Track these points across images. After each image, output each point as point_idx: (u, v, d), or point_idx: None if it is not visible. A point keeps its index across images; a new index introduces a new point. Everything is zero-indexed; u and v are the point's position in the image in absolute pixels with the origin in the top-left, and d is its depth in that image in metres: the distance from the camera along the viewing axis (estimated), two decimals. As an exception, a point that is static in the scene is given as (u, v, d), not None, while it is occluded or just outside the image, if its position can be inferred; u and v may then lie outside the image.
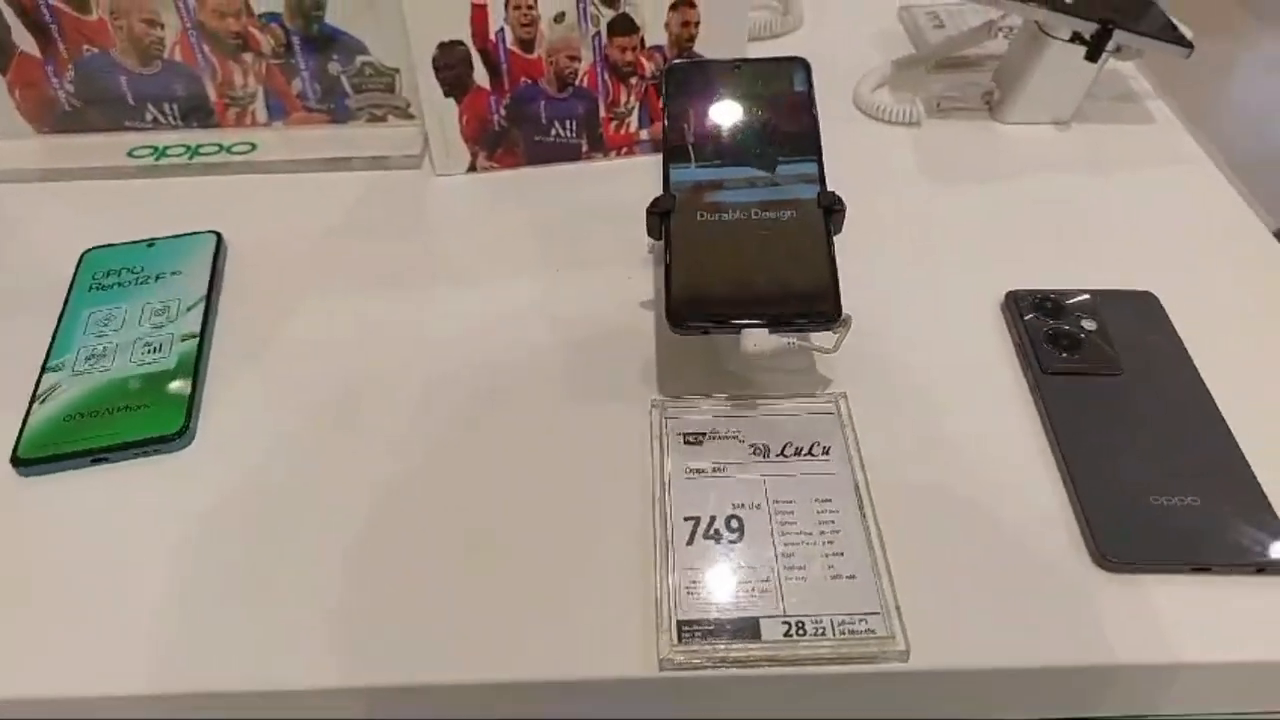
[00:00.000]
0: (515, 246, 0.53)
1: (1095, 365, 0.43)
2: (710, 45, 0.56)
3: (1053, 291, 0.46)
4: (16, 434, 0.42)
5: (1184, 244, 0.52)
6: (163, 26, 0.58)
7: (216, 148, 0.61)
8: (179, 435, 0.42)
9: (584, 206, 0.56)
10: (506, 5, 0.53)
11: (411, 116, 0.62)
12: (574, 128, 0.58)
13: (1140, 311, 0.46)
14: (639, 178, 0.57)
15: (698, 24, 0.55)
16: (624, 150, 0.59)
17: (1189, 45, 0.56)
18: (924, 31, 0.70)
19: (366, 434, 0.43)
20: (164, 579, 0.38)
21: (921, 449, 0.41)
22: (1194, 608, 0.35)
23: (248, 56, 0.59)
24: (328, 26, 0.58)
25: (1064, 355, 0.43)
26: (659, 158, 0.46)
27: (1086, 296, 0.46)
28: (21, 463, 0.41)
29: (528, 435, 0.43)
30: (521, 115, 0.57)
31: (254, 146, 0.61)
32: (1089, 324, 0.45)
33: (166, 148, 0.61)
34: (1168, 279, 0.48)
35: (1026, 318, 0.45)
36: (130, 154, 0.61)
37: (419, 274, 0.52)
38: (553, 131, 0.58)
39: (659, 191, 0.44)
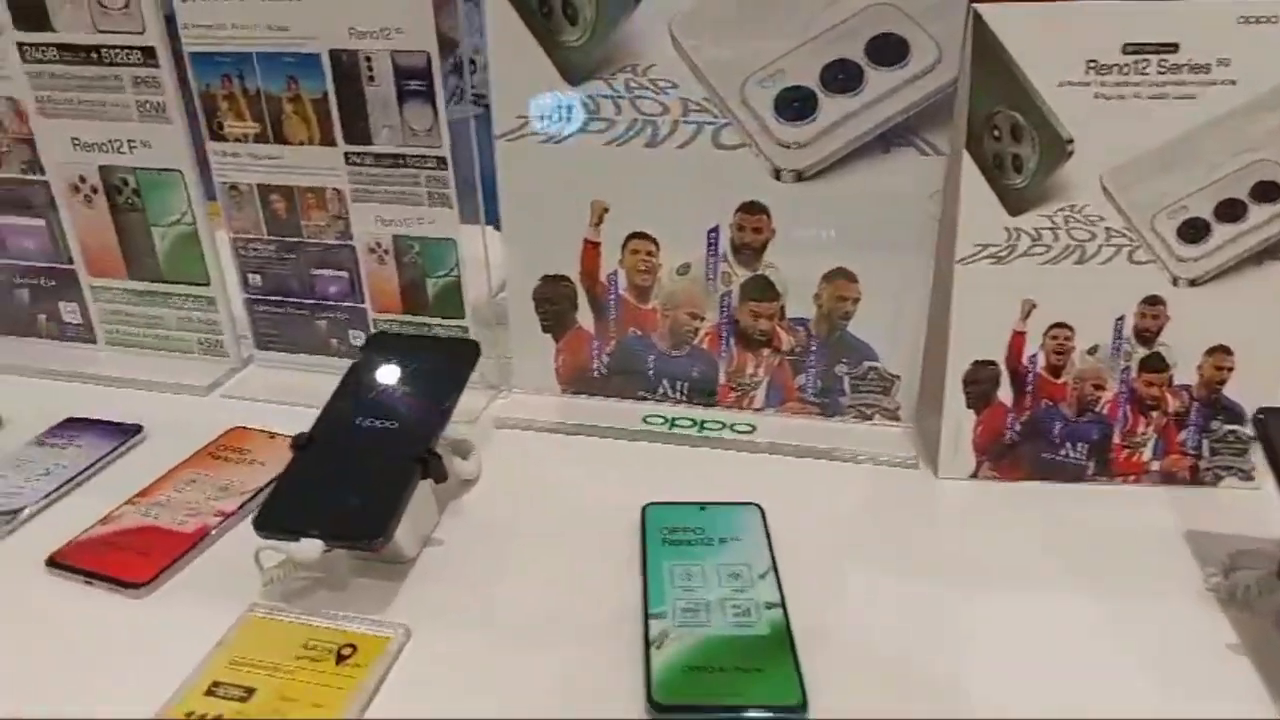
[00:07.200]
0: (1032, 559, 0.54)
1: None
2: (1242, 388, 0.58)
3: None
4: (644, 676, 0.44)
5: None
6: (702, 319, 0.67)
7: (720, 424, 0.67)
8: (800, 708, 0.43)
9: (1093, 528, 0.56)
10: (1044, 335, 0.58)
11: (898, 419, 0.66)
12: (1084, 450, 0.60)
13: None
14: (1144, 507, 0.57)
15: (1230, 369, 0.58)
16: (1130, 478, 0.60)
17: None
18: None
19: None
20: None
21: None
22: None
23: (765, 351, 0.67)
24: (848, 335, 0.65)
25: None
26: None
27: None
28: (659, 707, 0.42)
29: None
30: (1035, 432, 0.60)
31: (753, 428, 0.67)
32: None
33: (675, 419, 0.68)
34: None
35: None
36: (645, 420, 0.68)
37: (934, 571, 0.53)
38: (1062, 451, 0.60)
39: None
